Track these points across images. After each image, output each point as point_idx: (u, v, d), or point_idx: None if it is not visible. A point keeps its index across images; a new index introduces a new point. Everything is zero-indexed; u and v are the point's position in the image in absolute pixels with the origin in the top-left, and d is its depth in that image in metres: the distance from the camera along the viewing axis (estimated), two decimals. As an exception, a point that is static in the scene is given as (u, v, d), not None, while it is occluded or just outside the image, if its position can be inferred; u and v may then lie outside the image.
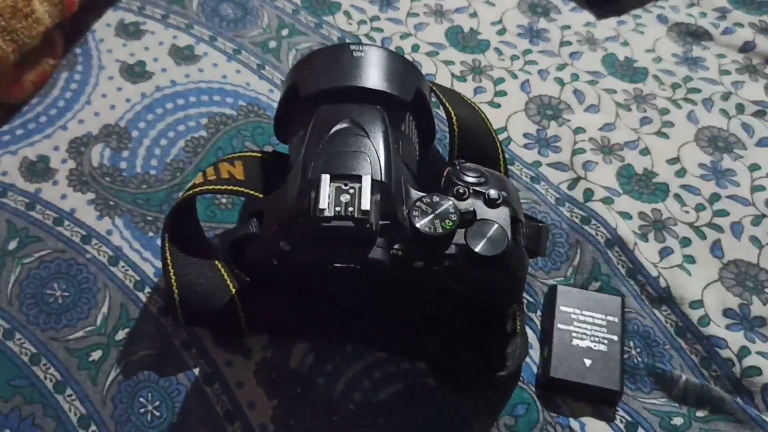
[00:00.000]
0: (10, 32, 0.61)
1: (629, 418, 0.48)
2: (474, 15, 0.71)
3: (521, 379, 0.50)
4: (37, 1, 0.63)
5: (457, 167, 0.46)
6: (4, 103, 0.63)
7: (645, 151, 0.61)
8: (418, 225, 0.42)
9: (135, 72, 0.66)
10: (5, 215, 0.56)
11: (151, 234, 0.56)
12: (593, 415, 0.49)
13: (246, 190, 0.50)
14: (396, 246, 0.42)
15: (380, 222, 0.42)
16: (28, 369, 0.50)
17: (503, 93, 0.65)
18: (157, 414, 0.48)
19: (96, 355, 0.50)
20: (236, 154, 0.52)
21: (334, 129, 0.45)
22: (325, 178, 0.41)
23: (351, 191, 0.41)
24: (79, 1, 0.67)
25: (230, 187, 0.50)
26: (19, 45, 0.62)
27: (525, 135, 0.62)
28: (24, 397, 0.49)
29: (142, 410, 0.48)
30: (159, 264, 0.54)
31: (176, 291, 0.49)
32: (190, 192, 0.49)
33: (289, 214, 0.42)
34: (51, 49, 0.67)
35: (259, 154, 0.53)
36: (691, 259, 0.55)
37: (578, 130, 0.62)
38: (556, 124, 0.62)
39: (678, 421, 0.48)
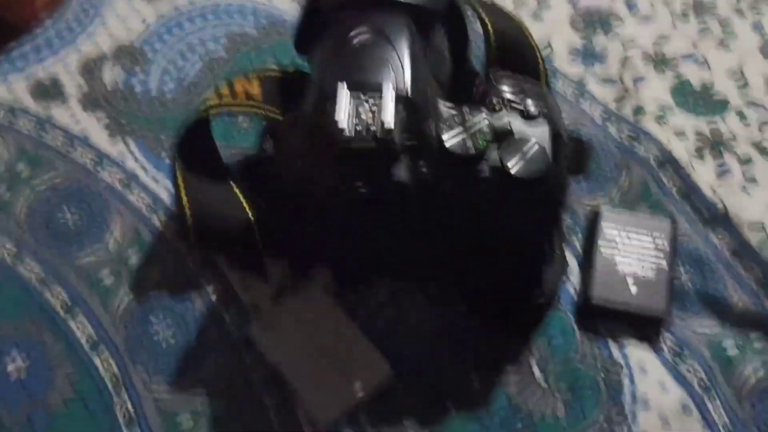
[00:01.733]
0: (22, -50, 0.61)
1: (676, 346, 0.47)
2: None
3: (559, 305, 0.49)
4: None
5: (492, 78, 0.45)
6: (16, 24, 0.64)
7: (703, 65, 0.59)
8: (447, 143, 0.40)
9: (152, -9, 0.66)
10: (17, 138, 0.57)
11: (165, 157, 0.56)
12: (636, 342, 0.48)
13: (261, 109, 0.50)
14: (422, 166, 0.41)
15: (406, 140, 0.40)
16: (37, 292, 0.51)
17: (547, 5, 0.63)
18: (171, 338, 0.49)
19: (108, 278, 0.51)
20: (254, 71, 0.52)
21: (353, 37, 0.44)
22: (343, 87, 0.40)
23: (372, 106, 0.40)
24: None
25: (246, 106, 0.50)
26: (31, -36, 0.62)
27: (570, 49, 0.60)
28: (33, 320, 0.50)
29: (155, 335, 0.49)
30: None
31: (188, 213, 0.49)
32: (203, 110, 0.49)
33: (306, 133, 0.42)
34: (64, -32, 0.67)
35: (278, 72, 0.53)
36: (752, 179, 0.53)
37: (629, 43, 0.60)
38: (604, 36, 0.61)
39: (731, 348, 0.47)
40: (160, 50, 0.62)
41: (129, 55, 0.62)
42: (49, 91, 0.60)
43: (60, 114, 0.59)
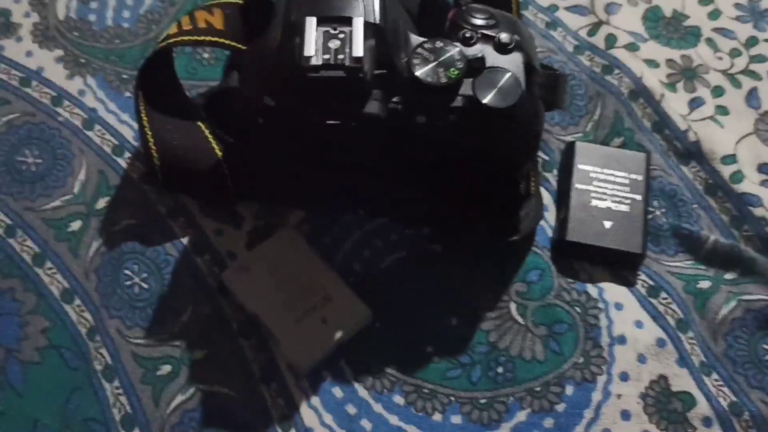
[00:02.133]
0: None
1: (651, 282, 0.48)
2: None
3: (535, 243, 0.49)
4: None
5: (463, 8, 0.43)
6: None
7: (675, -10, 0.57)
8: (419, 74, 0.39)
9: None
10: (-34, 76, 0.54)
11: (127, 94, 0.54)
12: (612, 279, 0.48)
13: (226, 41, 0.47)
14: (394, 99, 0.40)
15: (375, 71, 0.39)
16: (3, 241, 0.49)
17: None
18: (145, 286, 0.47)
19: (75, 225, 0.49)
20: (215, 2, 0.49)
21: None
22: (311, 20, 0.39)
23: (341, 36, 0.39)
24: None
25: (208, 38, 0.47)
26: None
27: (541, -26, 0.58)
28: (1, 271, 0.48)
29: (128, 282, 0.48)
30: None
31: (155, 155, 0.47)
32: (163, 43, 0.47)
33: (272, 64, 0.40)
34: None
35: (240, 1, 0.50)
36: (723, 110, 0.53)
37: (601, -31, 0.58)
38: (575, -39, 0.59)
39: (705, 284, 0.47)
40: (113, -23, 0.59)
41: (81, -17, 0.58)
42: (-2, 24, 0.56)
43: (11, 48, 0.56)
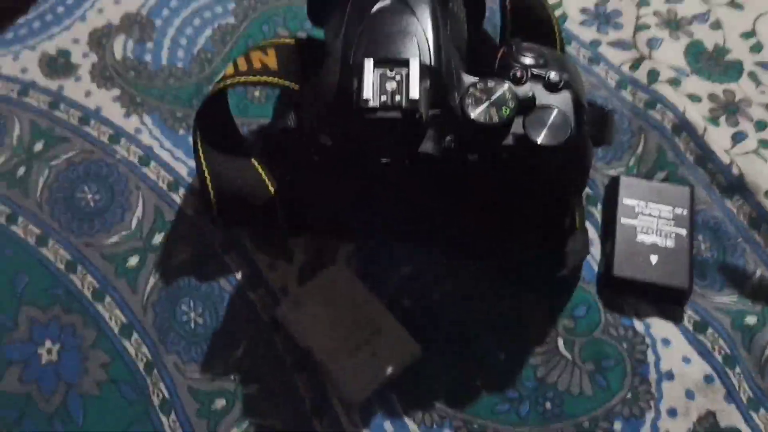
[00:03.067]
0: None
1: (698, 318, 0.47)
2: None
3: (581, 277, 0.48)
4: None
5: (513, 48, 0.43)
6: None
7: (716, 25, 0.57)
8: (472, 114, 0.39)
9: (154, -46, 0.62)
10: (28, 115, 0.55)
11: (181, 131, 0.54)
12: (659, 315, 0.47)
13: (281, 81, 0.47)
14: (448, 137, 0.40)
15: (430, 111, 0.39)
16: (65, 276, 0.49)
17: (558, -36, 0.60)
18: (200, 321, 0.48)
19: (133, 260, 0.50)
20: (268, 42, 0.49)
21: (376, 6, 0.42)
22: (369, 63, 0.39)
23: (398, 78, 0.39)
24: None
25: (264, 78, 0.48)
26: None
27: (582, 10, 0.58)
28: (62, 306, 0.48)
29: (184, 318, 0.48)
30: (192, 163, 0.52)
31: (212, 191, 0.47)
32: (221, 85, 0.47)
33: (330, 105, 0.40)
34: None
35: (293, 41, 0.50)
36: (767, 144, 0.52)
37: (642, 3, 0.58)
38: (617, -2, 0.58)
39: (751, 319, 0.46)
40: (167, 18, 0.59)
41: (137, 25, 0.59)
42: (59, 65, 0.57)
43: (71, 88, 0.57)
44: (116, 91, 0.56)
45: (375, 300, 0.47)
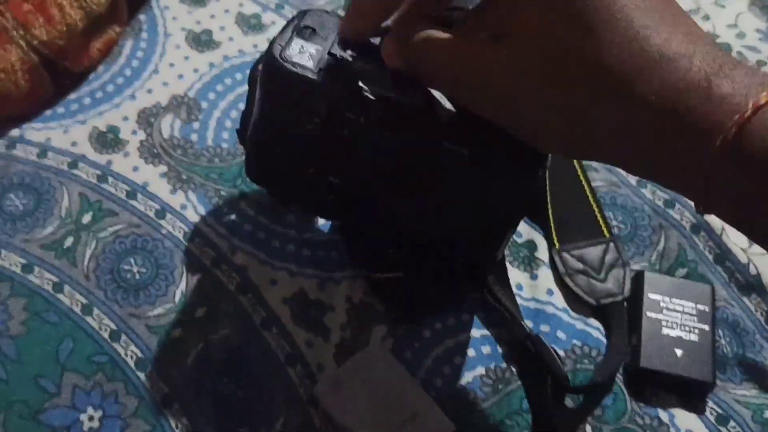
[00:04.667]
0: (77, -1, 0.60)
1: (720, 411, 0.47)
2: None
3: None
4: (104, -34, 0.62)
5: None
6: (71, 71, 0.62)
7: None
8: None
9: (202, 41, 0.65)
10: (78, 188, 0.56)
11: (225, 210, 0.55)
12: (682, 406, 0.48)
13: None
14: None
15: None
16: (108, 345, 0.50)
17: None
18: (240, 395, 0.48)
19: (175, 332, 0.50)
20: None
21: None
22: None
23: None
24: (144, -34, 0.66)
25: None
26: (86, 12, 0.61)
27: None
28: (106, 374, 0.49)
29: (225, 391, 0.48)
30: (235, 241, 0.54)
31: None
32: None
33: None
34: (116, 16, 0.65)
35: None
36: (780, 245, 0.54)
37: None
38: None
39: (772, 414, 0.47)
40: (213, 101, 0.61)
41: (184, 106, 0.61)
42: (108, 140, 0.59)
43: (119, 162, 0.58)
44: (163, 168, 0.57)
45: (412, 380, 0.48)
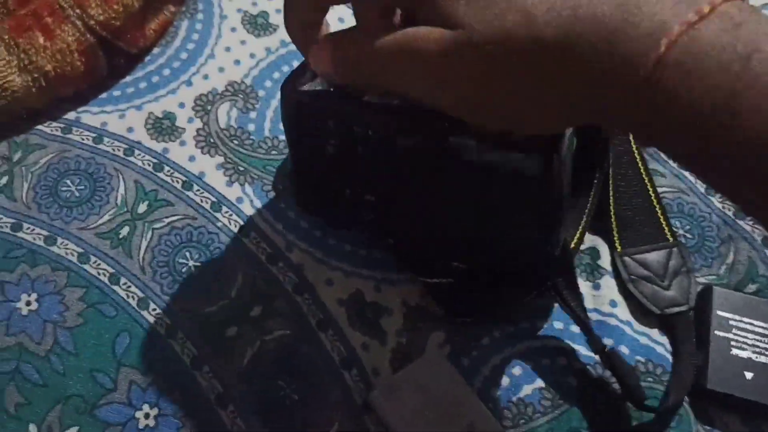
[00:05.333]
0: (134, -23, 0.59)
1: (788, 436, 0.46)
2: None
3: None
4: (161, -56, 0.60)
5: None
6: (127, 52, 0.61)
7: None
8: None
9: (258, 24, 0.63)
10: (133, 175, 0.55)
11: (282, 204, 0.54)
12: (747, 429, 0.46)
13: None
14: None
15: None
16: (164, 341, 0.49)
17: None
18: (295, 397, 0.47)
19: (231, 331, 0.49)
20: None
21: None
22: None
23: None
24: (201, -56, 0.64)
25: None
26: (143, -9, 0.59)
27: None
28: (161, 371, 0.48)
29: (281, 393, 0.47)
30: (291, 238, 0.53)
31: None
32: None
33: None
34: (171, -6, 0.64)
35: None
36: None
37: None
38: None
39: (843, 443, 0.46)
40: (269, 89, 0.60)
41: (241, 94, 0.59)
42: (164, 127, 0.58)
43: (175, 151, 0.57)
44: (219, 159, 0.56)
45: (469, 390, 0.47)
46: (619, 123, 0.31)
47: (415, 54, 0.33)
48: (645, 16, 0.28)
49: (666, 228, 0.53)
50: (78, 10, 0.57)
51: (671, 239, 0.52)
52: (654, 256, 0.52)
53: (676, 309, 0.50)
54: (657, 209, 0.54)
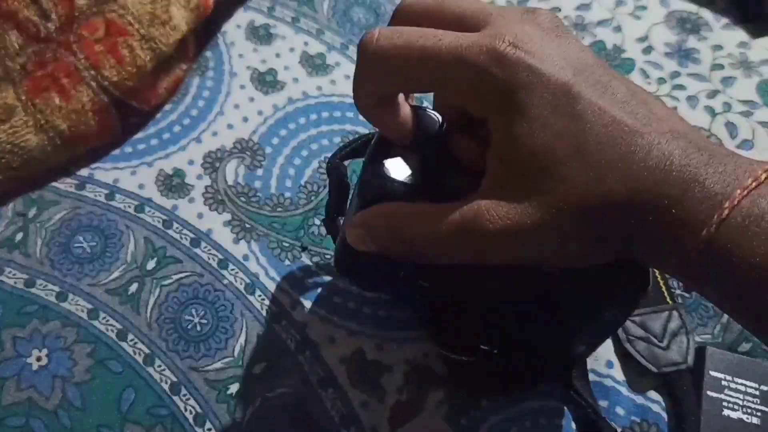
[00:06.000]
0: (148, 40, 0.61)
1: (780, 499, 0.46)
2: (618, 30, 0.68)
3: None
4: (175, 8, 0.62)
5: None
6: (140, 110, 0.63)
7: None
8: None
9: (266, 81, 0.65)
10: (144, 232, 0.57)
11: (287, 262, 0.55)
12: (742, 492, 0.47)
13: None
14: None
15: None
16: (168, 398, 0.50)
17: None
18: (296, 456, 0.48)
19: (234, 388, 0.51)
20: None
21: None
22: None
23: None
24: (214, 3, 0.66)
25: None
26: (155, 53, 0.61)
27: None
28: (165, 427, 0.49)
29: (281, 451, 0.48)
30: (296, 295, 0.54)
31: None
32: None
33: None
34: (183, 53, 0.66)
35: None
36: None
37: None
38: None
39: None
40: (276, 146, 0.62)
41: (248, 151, 0.61)
42: (174, 184, 0.59)
43: (184, 208, 0.58)
44: (227, 216, 0.58)
45: (465, 452, 0.48)
46: (668, 270, 0.33)
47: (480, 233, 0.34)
48: (708, 180, 0.30)
49: (665, 291, 0.54)
50: (93, 72, 0.60)
51: (670, 302, 0.53)
52: (653, 318, 0.53)
53: (674, 368, 0.50)
54: (657, 273, 0.55)
